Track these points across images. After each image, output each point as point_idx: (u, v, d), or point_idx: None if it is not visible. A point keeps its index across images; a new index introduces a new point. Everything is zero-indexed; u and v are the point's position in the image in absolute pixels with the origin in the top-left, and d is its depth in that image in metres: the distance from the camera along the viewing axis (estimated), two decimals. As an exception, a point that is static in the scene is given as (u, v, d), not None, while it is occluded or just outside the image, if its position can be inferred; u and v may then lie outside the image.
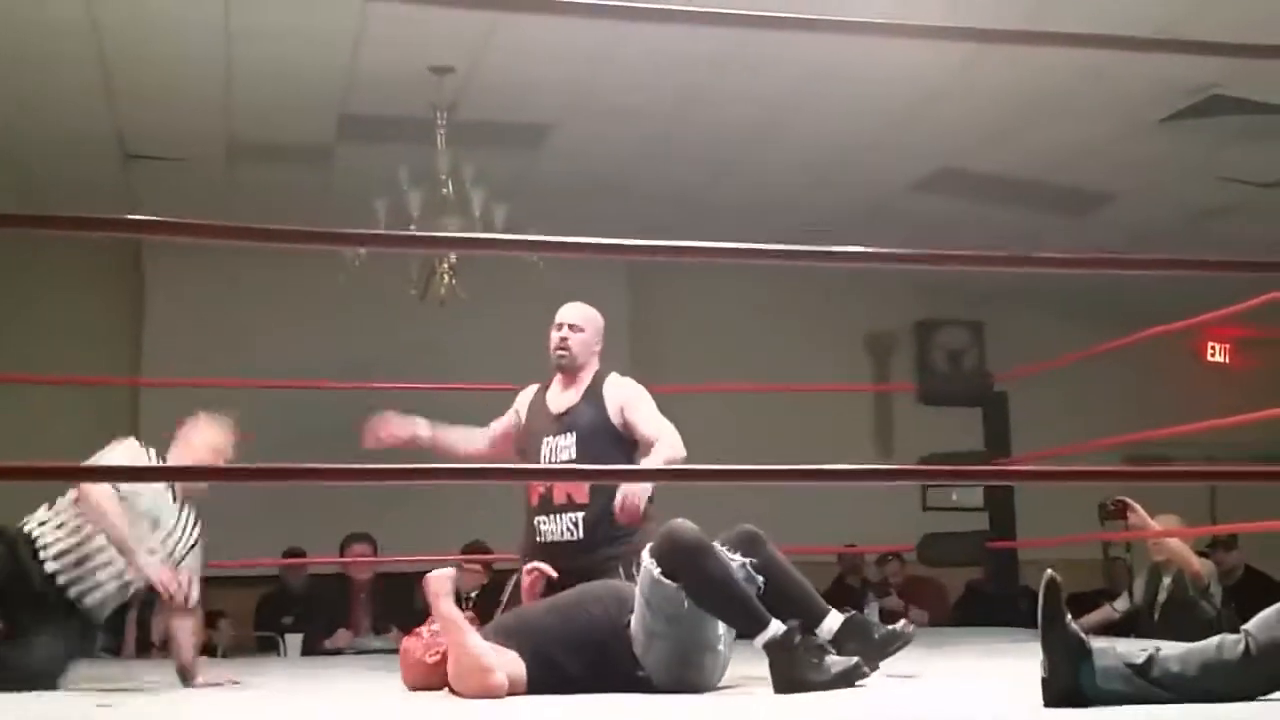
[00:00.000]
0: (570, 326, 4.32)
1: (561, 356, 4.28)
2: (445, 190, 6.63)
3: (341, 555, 7.02)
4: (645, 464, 3.92)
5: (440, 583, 3.54)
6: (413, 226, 6.30)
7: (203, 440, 4.12)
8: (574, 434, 4.13)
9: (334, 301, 8.20)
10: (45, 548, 3.78)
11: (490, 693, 3.32)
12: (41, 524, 3.83)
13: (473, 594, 6.58)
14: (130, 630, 6.82)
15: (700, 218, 8.25)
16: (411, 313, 7.44)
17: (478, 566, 6.76)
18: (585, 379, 4.28)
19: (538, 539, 4.02)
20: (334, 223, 2.63)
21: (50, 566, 3.78)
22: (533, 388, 4.43)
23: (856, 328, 9.91)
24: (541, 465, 4.12)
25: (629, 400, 4.18)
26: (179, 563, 3.91)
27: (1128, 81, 6.50)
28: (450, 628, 3.46)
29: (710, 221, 8.11)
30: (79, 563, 3.82)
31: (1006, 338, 9.43)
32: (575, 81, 6.63)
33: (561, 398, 4.27)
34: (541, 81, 6.62)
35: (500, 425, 4.42)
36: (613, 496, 3.90)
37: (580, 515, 4.00)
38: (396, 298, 7.24)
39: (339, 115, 7.04)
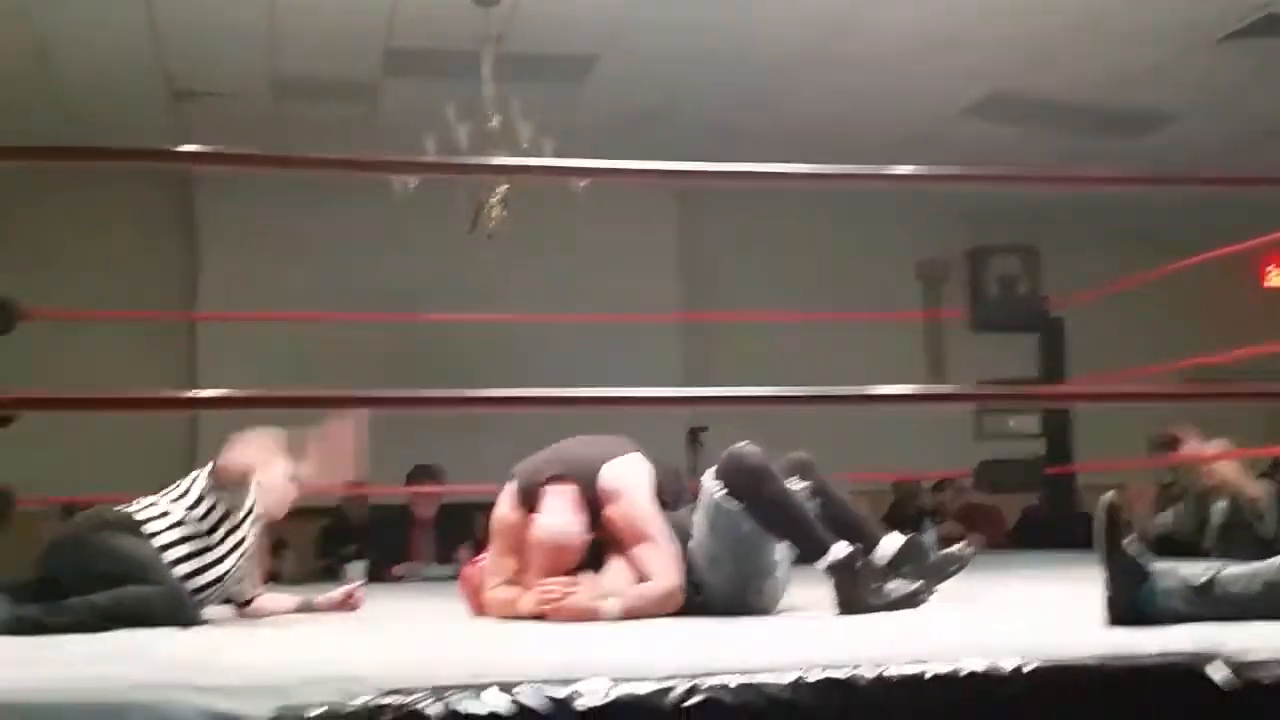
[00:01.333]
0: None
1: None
2: (492, 124, 6.61)
3: (407, 485, 7.07)
4: (617, 602, 3.40)
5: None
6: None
7: (277, 474, 3.96)
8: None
9: (383, 236, 8.24)
10: (168, 545, 3.69)
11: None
12: (162, 514, 3.74)
13: None
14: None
15: (747, 146, 8.13)
16: (460, 246, 7.45)
17: None
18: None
19: None
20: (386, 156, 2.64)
21: (178, 568, 3.68)
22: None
23: (907, 256, 9.83)
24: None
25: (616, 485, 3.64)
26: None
27: (1182, 2, 6.38)
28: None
29: (757, 150, 8.01)
30: (200, 562, 3.75)
31: (1062, 264, 9.30)
32: (619, 11, 6.57)
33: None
34: (586, 12, 6.58)
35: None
36: None
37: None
38: (445, 231, 7.24)
39: (385, 50, 7.02)
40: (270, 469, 3.90)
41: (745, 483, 3.38)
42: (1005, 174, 2.81)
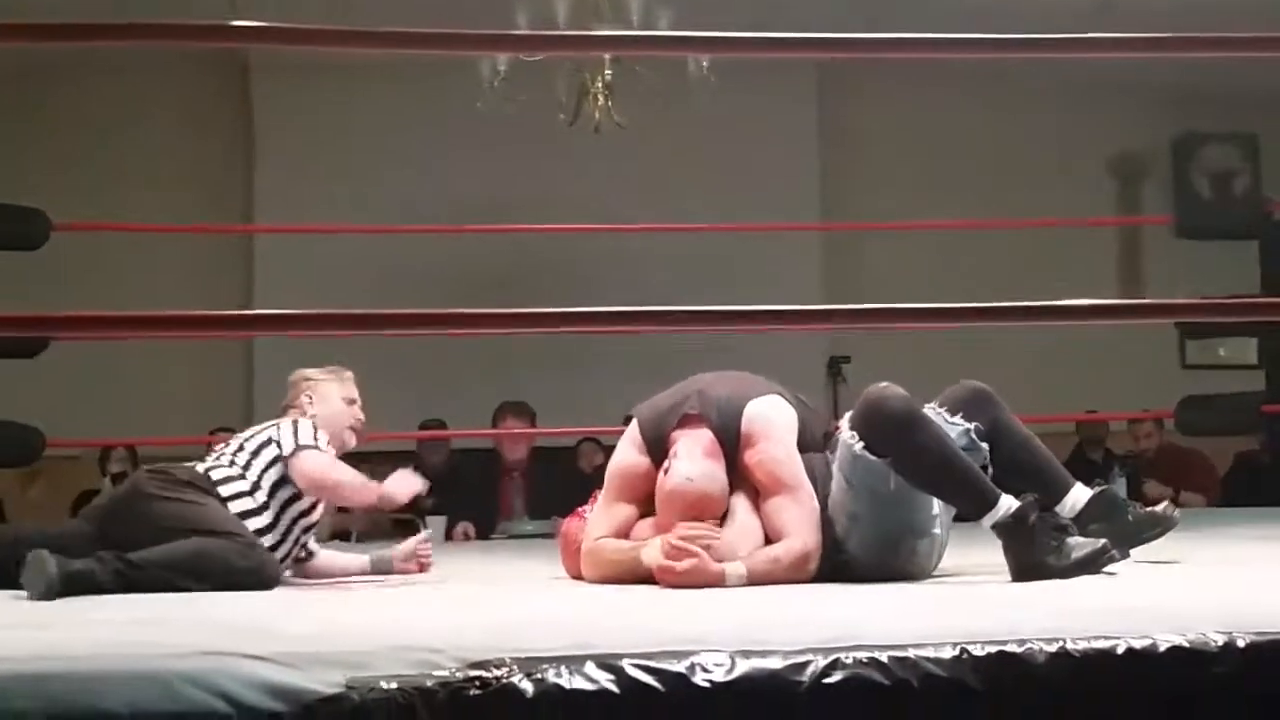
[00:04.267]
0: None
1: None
2: (597, -6, 6.58)
3: (494, 427, 7.15)
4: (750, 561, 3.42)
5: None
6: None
7: (340, 400, 4.25)
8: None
9: (470, 131, 8.25)
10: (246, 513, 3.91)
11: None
12: (239, 477, 3.96)
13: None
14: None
15: (902, 19, 8.02)
16: (561, 143, 7.45)
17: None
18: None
19: None
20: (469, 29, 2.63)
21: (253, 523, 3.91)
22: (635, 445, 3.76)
23: (1098, 147, 9.61)
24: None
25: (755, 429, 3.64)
26: None
27: None
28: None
29: (916, 22, 7.90)
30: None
31: (1289, 156, 9.07)
32: None
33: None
34: None
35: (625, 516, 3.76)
36: None
37: None
38: (543, 125, 7.24)
39: (469, -93, 6.99)
40: (332, 406, 4.20)
41: (886, 433, 3.35)
42: (1214, 37, 2.70)
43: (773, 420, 3.59)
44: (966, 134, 9.30)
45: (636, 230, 7.75)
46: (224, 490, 3.89)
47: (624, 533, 3.62)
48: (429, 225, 7.78)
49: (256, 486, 3.93)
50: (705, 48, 3.34)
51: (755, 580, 3.32)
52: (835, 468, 3.47)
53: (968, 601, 2.91)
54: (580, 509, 3.85)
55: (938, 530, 3.49)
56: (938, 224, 8.17)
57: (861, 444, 3.38)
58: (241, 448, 4.02)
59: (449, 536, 6.73)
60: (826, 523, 3.45)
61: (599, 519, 3.69)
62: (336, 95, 8.44)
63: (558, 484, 6.83)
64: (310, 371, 4.30)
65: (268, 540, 3.88)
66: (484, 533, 6.80)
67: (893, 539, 3.43)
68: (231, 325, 3.68)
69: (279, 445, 3.98)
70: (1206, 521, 5.36)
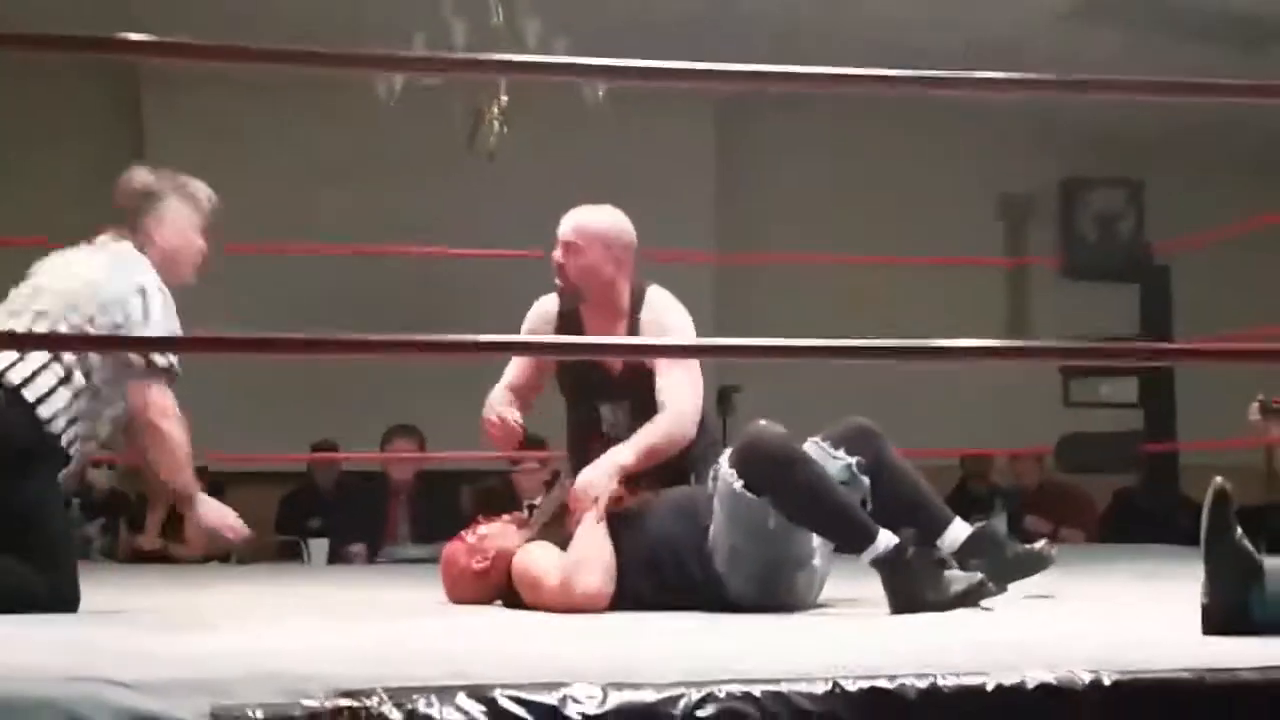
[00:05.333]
0: (565, 245, 4.01)
1: (559, 285, 4.00)
2: (495, 19, 6.57)
3: (382, 450, 7.11)
4: (625, 447, 3.76)
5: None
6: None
7: (176, 228, 3.78)
8: (628, 404, 3.91)
9: (365, 153, 8.21)
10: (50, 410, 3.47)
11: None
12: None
13: (536, 498, 6.65)
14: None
15: (805, 55, 8.10)
16: (455, 168, 7.43)
17: (537, 465, 6.83)
18: (617, 306, 3.99)
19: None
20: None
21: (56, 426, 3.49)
22: (549, 306, 4.10)
23: (988, 188, 9.74)
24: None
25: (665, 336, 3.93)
26: None
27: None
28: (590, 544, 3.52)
29: (815, 59, 7.97)
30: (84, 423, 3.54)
31: (1170, 201, 9.25)
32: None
33: (602, 334, 3.99)
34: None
35: (529, 373, 4.12)
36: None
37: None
38: (437, 151, 7.22)
39: (369, -72, 6.98)
40: (183, 236, 3.79)
41: (765, 472, 3.39)
42: (1106, 82, 2.75)
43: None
44: (861, 169, 9.39)
45: (528, 256, 7.72)
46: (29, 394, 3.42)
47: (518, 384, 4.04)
48: (320, 245, 7.72)
49: (69, 374, 3.47)
50: (600, 75, 3.34)
51: (642, 460, 3.72)
52: (716, 503, 3.49)
53: (844, 635, 2.92)
54: (463, 533, 3.83)
55: (817, 562, 3.53)
56: (829, 258, 8.23)
57: (741, 482, 3.40)
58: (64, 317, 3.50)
59: (334, 559, 6.68)
60: (708, 558, 3.47)
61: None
62: (230, 111, 8.34)
63: (444, 508, 6.81)
64: (157, 180, 3.82)
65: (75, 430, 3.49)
66: (369, 556, 6.76)
67: (772, 572, 3.46)
68: (105, 346, 3.58)
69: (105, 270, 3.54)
70: (1085, 558, 5.44)
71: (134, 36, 2.35)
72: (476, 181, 7.77)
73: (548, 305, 4.10)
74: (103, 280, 3.60)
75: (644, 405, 3.87)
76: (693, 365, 3.91)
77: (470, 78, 6.34)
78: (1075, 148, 9.41)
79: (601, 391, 3.98)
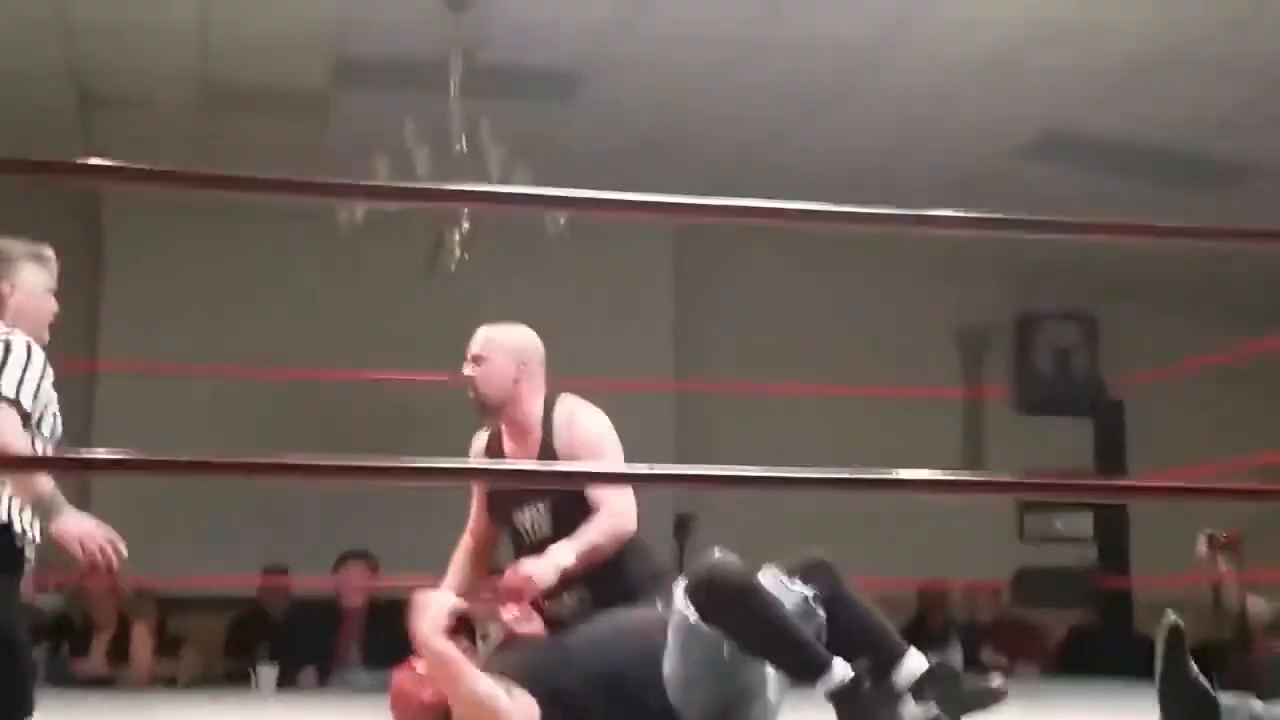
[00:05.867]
0: (472, 359, 4.10)
1: (471, 397, 4.08)
2: (458, 147, 6.63)
3: (334, 574, 7.05)
4: (565, 545, 3.79)
5: (437, 610, 3.52)
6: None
7: (28, 292, 3.79)
8: (546, 504, 3.94)
9: (326, 275, 8.24)
10: None
11: None
12: None
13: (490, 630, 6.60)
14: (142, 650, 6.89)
15: (761, 186, 8.20)
16: (416, 290, 7.46)
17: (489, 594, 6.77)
18: (528, 417, 4.04)
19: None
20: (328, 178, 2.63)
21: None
22: (478, 446, 4.20)
23: (945, 321, 9.83)
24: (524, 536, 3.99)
25: (576, 442, 3.95)
26: None
27: (1277, 35, 6.43)
28: (444, 668, 3.46)
29: (774, 191, 8.08)
30: None
31: (1124, 337, 9.36)
32: (611, 21, 6.61)
33: (516, 452, 4.05)
34: (573, 20, 6.61)
35: (478, 511, 4.20)
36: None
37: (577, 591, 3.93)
38: (398, 272, 7.26)
39: (336, 57, 7.06)
40: (35, 299, 3.81)
41: (720, 604, 3.39)
42: (1058, 221, 2.80)
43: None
44: (820, 301, 9.48)
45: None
46: None
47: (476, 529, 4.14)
48: (277, 370, 7.71)
49: None
50: (559, 206, 3.39)
51: (584, 558, 3.72)
52: (670, 633, 3.47)
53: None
54: (412, 660, 3.79)
55: (771, 696, 3.50)
56: (787, 388, 8.28)
57: (696, 614, 3.39)
58: None
59: (284, 685, 6.59)
60: (662, 689, 3.45)
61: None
62: (190, 233, 8.37)
63: (397, 633, 6.72)
64: (7, 246, 3.83)
65: None
66: (319, 681, 6.68)
67: (727, 705, 3.44)
68: (65, 466, 3.56)
69: None
70: (1039, 693, 5.42)
71: (91, 162, 2.36)
72: (437, 306, 7.80)
73: (481, 437, 4.20)
74: None
75: (563, 503, 3.90)
76: (613, 456, 3.96)
77: (432, 207, 6.38)
78: (1030, 283, 9.53)
79: (515, 499, 4.01)
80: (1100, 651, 7.16)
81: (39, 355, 3.62)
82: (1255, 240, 3.00)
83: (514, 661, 3.61)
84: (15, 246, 3.86)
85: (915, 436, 8.68)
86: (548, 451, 3.95)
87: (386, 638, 6.74)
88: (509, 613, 3.77)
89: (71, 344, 8.58)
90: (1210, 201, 8.44)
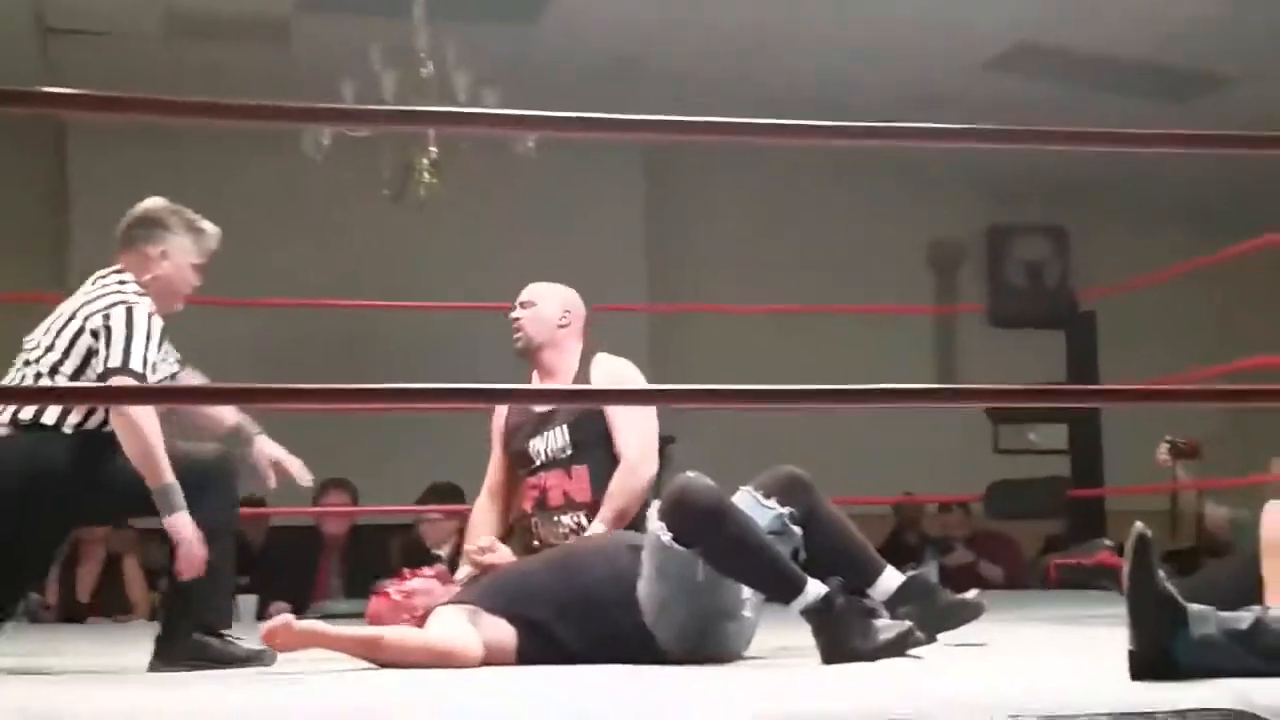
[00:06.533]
0: (521, 304, 4.30)
1: (516, 339, 4.24)
2: (425, 71, 6.60)
3: (315, 504, 7.05)
4: (596, 524, 3.92)
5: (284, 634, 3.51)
6: (386, 114, 6.26)
7: (179, 263, 3.93)
8: (565, 426, 4.06)
9: (293, 205, 8.20)
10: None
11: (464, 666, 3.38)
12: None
13: (443, 548, 6.65)
14: (52, 589, 6.89)
15: (730, 105, 8.18)
16: (385, 219, 7.43)
17: (438, 516, 6.82)
18: (565, 366, 4.20)
19: (535, 544, 4.03)
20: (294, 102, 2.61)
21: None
22: None
23: (916, 236, 9.85)
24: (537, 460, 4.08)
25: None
26: None
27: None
28: (361, 646, 3.48)
29: (742, 110, 8.05)
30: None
31: (1095, 248, 9.39)
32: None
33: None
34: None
35: (496, 463, 4.30)
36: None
37: (582, 515, 4.01)
38: (367, 201, 7.22)
39: (298, -19, 7.00)
40: (179, 271, 3.92)
41: (693, 524, 3.40)
42: (1027, 131, 2.81)
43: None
44: (790, 218, 9.48)
45: (459, 308, 7.73)
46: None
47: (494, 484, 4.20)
48: (246, 299, 7.68)
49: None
50: (528, 126, 3.37)
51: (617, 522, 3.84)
52: (644, 554, 3.49)
53: (770, 686, 2.94)
54: (386, 588, 3.81)
55: (747, 614, 3.53)
56: (759, 308, 8.29)
57: (670, 535, 3.41)
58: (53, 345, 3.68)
59: (262, 616, 6.61)
60: (638, 606, 3.47)
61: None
62: (156, 162, 8.30)
63: (377, 562, 6.76)
64: (167, 213, 3.94)
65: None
66: (298, 611, 6.69)
67: (702, 624, 3.46)
68: (31, 398, 3.57)
69: (104, 349, 3.62)
70: (1015, 604, 5.48)
71: (52, 90, 2.35)
72: (406, 233, 7.79)
73: None
74: (85, 298, 3.76)
75: (582, 424, 4.04)
76: (649, 414, 4.11)
77: (399, 130, 6.35)
78: (1000, 197, 9.54)
79: (533, 428, 4.10)
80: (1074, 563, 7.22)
81: (158, 324, 3.74)
82: (1222, 146, 3.01)
83: (484, 590, 3.63)
84: (175, 214, 3.94)
85: (888, 353, 8.72)
86: (579, 379, 4.12)
87: (366, 565, 6.79)
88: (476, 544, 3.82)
89: (40, 277, 8.60)
90: (1182, 112, 8.44)
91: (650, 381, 7.96)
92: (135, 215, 3.95)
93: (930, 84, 8.15)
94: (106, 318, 3.67)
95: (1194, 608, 2.65)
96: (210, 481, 3.65)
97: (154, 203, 3.96)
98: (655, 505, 3.53)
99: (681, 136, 2.98)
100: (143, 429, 3.53)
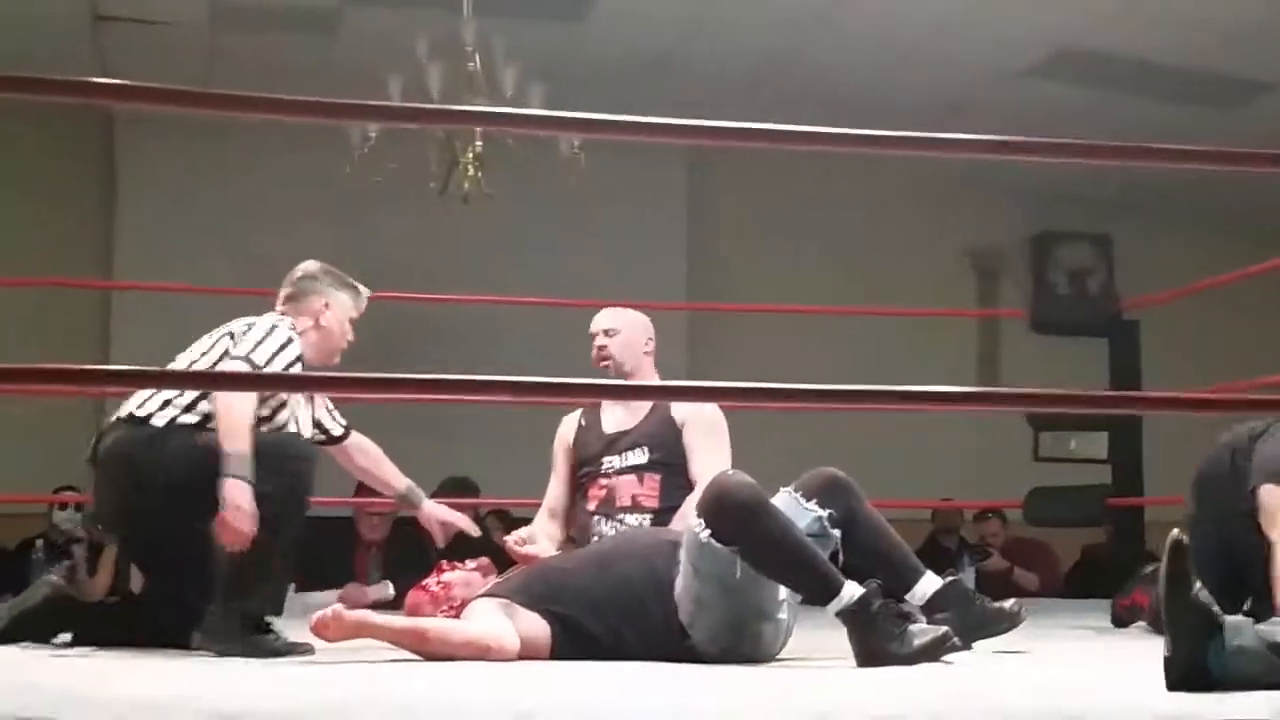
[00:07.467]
0: (605, 333, 4.38)
1: (605, 368, 4.33)
2: (472, 65, 6.62)
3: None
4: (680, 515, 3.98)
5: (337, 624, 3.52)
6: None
7: (339, 317, 4.12)
8: (645, 447, 4.18)
9: (337, 196, 8.23)
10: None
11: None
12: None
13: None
14: (105, 573, 6.92)
15: (773, 107, 8.19)
16: (429, 211, 7.46)
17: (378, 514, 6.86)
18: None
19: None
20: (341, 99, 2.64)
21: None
22: (572, 419, 4.40)
23: (960, 241, 9.83)
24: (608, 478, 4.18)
25: (694, 418, 4.19)
26: None
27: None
28: (407, 637, 3.51)
29: (785, 111, 8.03)
30: None
31: (1140, 256, 9.33)
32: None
33: (621, 417, 4.25)
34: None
35: (559, 485, 4.36)
36: (684, 497, 4.04)
37: (647, 520, 4.06)
38: (412, 193, 7.25)
39: (347, -27, 7.03)
40: (339, 325, 4.11)
41: (732, 522, 3.40)
42: (1071, 144, 2.81)
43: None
44: (833, 221, 9.46)
45: (500, 302, 7.76)
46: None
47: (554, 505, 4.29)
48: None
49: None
50: (574, 128, 3.39)
51: None
52: (682, 553, 3.50)
53: (805, 686, 2.94)
54: (426, 582, 3.83)
55: (783, 615, 3.53)
56: (801, 309, 8.27)
57: (708, 532, 3.41)
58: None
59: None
60: (674, 605, 3.48)
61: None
62: (204, 155, 8.37)
63: (415, 555, 6.76)
64: (325, 272, 4.15)
65: None
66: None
67: (738, 624, 3.47)
68: (86, 379, 3.62)
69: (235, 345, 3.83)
70: (1052, 613, 5.47)
71: (104, 81, 2.38)
72: (450, 226, 7.81)
73: (570, 418, 4.41)
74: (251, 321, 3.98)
75: (662, 449, 4.15)
76: (724, 440, 4.22)
77: (445, 127, 6.38)
78: (1045, 203, 9.50)
79: (606, 451, 4.21)
80: (1112, 571, 7.19)
81: (295, 350, 3.87)
82: (1261, 164, 3.00)
83: (520, 584, 3.64)
84: (333, 274, 4.17)
85: (930, 359, 8.69)
86: (662, 417, 4.19)
87: (404, 564, 6.79)
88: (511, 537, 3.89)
89: (85, 265, 8.68)
90: (1224, 119, 8.40)
91: (688, 378, 7.98)
92: (298, 273, 4.18)
93: (969, 88, 8.13)
94: (250, 325, 3.90)
95: (1230, 618, 2.65)
96: (286, 468, 3.69)
97: (313, 264, 4.20)
98: (694, 503, 3.55)
99: (720, 143, 2.99)
100: (234, 401, 3.65)
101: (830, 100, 8.07)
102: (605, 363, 4.32)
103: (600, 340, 4.36)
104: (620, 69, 7.94)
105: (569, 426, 4.37)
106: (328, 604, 5.39)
